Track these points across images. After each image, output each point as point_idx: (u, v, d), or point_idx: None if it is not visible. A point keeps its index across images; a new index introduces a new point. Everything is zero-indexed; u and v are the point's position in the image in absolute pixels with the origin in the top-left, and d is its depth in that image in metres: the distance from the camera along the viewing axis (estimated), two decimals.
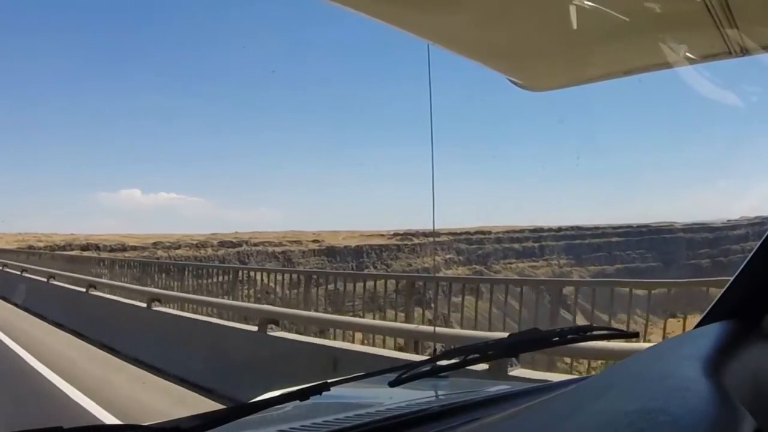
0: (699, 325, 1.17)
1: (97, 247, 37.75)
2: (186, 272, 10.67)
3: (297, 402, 1.08)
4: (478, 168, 70.24)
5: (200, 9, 78.61)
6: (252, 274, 10.13)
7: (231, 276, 9.67)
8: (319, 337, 6.43)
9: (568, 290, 5.91)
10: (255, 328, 6.23)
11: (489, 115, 75.72)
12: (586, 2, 1.40)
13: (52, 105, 75.39)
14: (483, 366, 3.24)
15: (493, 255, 47.61)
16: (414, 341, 5.88)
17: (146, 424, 0.91)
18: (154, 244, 40.64)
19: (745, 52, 1.52)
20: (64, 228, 44.54)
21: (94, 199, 67.88)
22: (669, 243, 49.35)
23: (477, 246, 47.80)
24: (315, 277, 8.50)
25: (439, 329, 5.29)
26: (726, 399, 0.71)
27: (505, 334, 1.26)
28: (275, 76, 70.73)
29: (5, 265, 16.71)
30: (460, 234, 46.57)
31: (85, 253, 29.20)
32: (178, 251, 40.15)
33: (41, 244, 35.25)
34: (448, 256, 44.95)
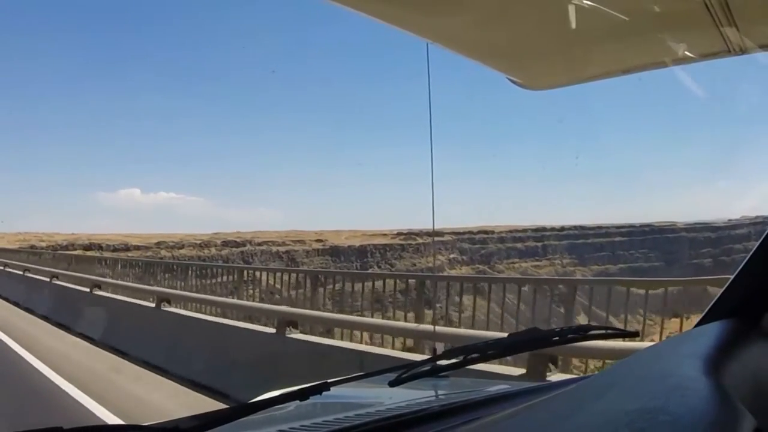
0: (699, 324, 1.17)
1: (100, 247, 37.70)
2: (189, 272, 10.56)
3: (297, 402, 1.08)
4: (479, 167, 70.41)
5: (200, 9, 78.76)
6: (257, 274, 9.92)
7: (236, 276, 9.47)
8: (326, 337, 6.28)
9: (571, 289, 5.90)
10: (273, 330, 5.99)
11: (489, 114, 75.87)
12: (585, 1, 1.40)
13: (51, 105, 75.72)
14: (483, 366, 3.25)
15: (497, 254, 47.68)
16: (425, 342, 5.75)
17: (146, 424, 0.91)
18: (158, 243, 40.61)
19: (744, 50, 1.52)
20: (64, 227, 44.65)
21: (93, 199, 68.01)
22: (672, 242, 49.47)
23: (480, 245, 47.87)
24: (321, 277, 8.37)
25: (439, 329, 5.29)
26: (726, 398, 0.70)
27: (506, 334, 1.27)
28: (275, 76, 70.83)
29: (6, 264, 16.50)
30: (463, 233, 46.64)
31: (88, 253, 29.03)
32: (182, 251, 40.13)
33: (43, 244, 35.20)
34: (452, 256, 44.99)
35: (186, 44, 75.87)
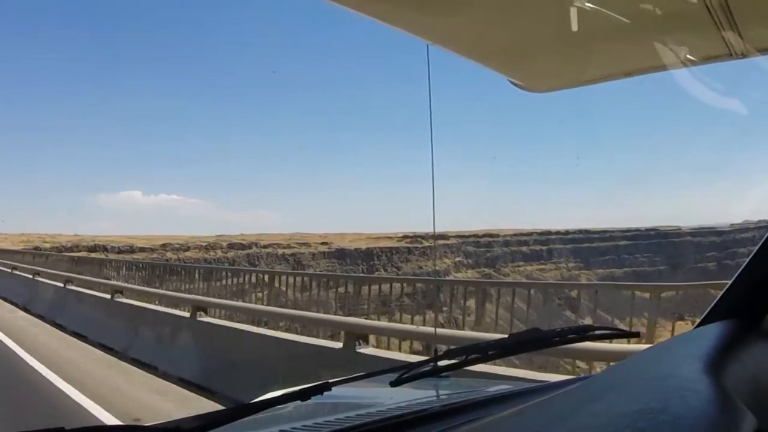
0: (699, 325, 1.18)
1: (104, 249, 37.60)
2: (197, 274, 10.18)
3: (298, 402, 1.08)
4: (480, 169, 70.48)
5: (201, 11, 78.92)
6: (286, 278, 8.74)
7: (265, 279, 8.74)
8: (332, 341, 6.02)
9: (574, 293, 5.91)
10: (339, 344, 5.33)
11: (490, 116, 75.83)
12: (586, 3, 1.40)
13: (51, 106, 75.96)
14: (484, 366, 3.25)
15: (502, 258, 47.71)
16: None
17: (147, 424, 0.91)
18: (163, 245, 40.54)
19: (745, 54, 1.52)
20: (66, 229, 44.57)
21: (94, 201, 68.17)
22: (677, 246, 49.51)
23: (485, 249, 47.92)
24: (326, 280, 8.14)
25: (440, 330, 5.29)
26: (726, 398, 0.71)
27: (506, 335, 1.27)
28: (276, 76, 70.93)
29: (15, 267, 15.52)
30: (468, 237, 46.64)
31: (93, 255, 28.77)
32: (187, 253, 40.08)
33: (47, 245, 34.99)
34: (457, 259, 45.01)
35: (187, 46, 76.25)
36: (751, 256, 1.11)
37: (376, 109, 77.98)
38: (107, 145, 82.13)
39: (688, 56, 1.61)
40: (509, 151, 74.89)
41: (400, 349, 6.06)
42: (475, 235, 47.44)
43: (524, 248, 48.82)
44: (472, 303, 6.33)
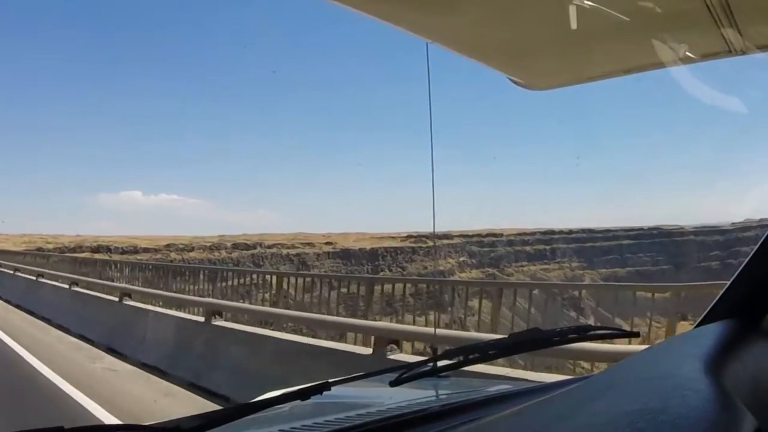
0: (699, 324, 1.17)
1: (108, 249, 37.45)
2: (202, 275, 10.02)
3: (297, 402, 1.08)
4: (483, 168, 70.52)
5: (201, 11, 78.95)
6: (304, 280, 8.48)
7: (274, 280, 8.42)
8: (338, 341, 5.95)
9: (578, 292, 5.92)
10: (369, 351, 5.00)
11: (490, 115, 75.85)
12: (586, 1, 1.40)
13: (51, 107, 75.85)
14: (483, 366, 3.24)
15: (506, 258, 47.75)
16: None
17: (147, 423, 0.91)
18: (167, 246, 40.46)
19: (745, 51, 1.52)
20: (66, 229, 44.53)
21: (94, 201, 68.23)
22: (680, 245, 49.49)
23: (489, 249, 47.97)
24: (334, 281, 8.05)
25: (439, 331, 5.28)
26: (726, 398, 0.70)
27: (506, 335, 1.27)
28: (276, 76, 70.94)
29: (17, 269, 15.08)
30: (472, 236, 46.65)
31: (96, 255, 28.40)
32: (191, 254, 40.01)
33: (50, 246, 34.92)
34: (461, 259, 45.02)
35: (187, 46, 76.24)
36: (750, 256, 1.11)
37: (377, 108, 78.04)
38: (107, 144, 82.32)
39: (687, 53, 1.60)
40: (509, 149, 74.96)
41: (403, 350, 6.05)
42: (479, 235, 47.49)
43: (528, 248, 48.88)
44: (476, 303, 6.30)
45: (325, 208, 73.17)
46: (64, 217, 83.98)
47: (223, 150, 78.15)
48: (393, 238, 45.78)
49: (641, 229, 50.76)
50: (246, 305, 7.82)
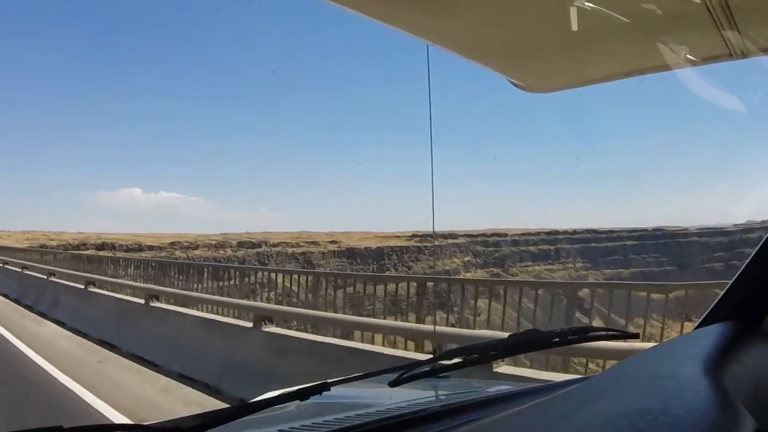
0: (699, 326, 1.17)
1: (112, 247, 37.36)
2: (207, 273, 9.47)
3: (297, 402, 1.08)
4: (485, 169, 70.54)
5: (201, 10, 78.96)
6: (337, 280, 7.72)
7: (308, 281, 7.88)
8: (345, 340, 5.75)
9: (583, 293, 5.90)
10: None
11: (491, 117, 75.82)
12: (586, 3, 1.40)
13: (52, 104, 76.01)
14: (483, 366, 3.24)
15: (510, 257, 47.83)
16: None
17: (147, 423, 0.91)
18: (171, 243, 40.40)
19: (745, 54, 1.52)
20: (65, 226, 44.54)
21: (94, 199, 68.20)
22: (683, 246, 49.55)
23: (493, 248, 48.10)
24: (338, 279, 7.72)
25: (439, 329, 5.26)
26: (726, 399, 0.71)
27: (506, 335, 1.27)
28: (276, 76, 70.95)
29: (26, 267, 14.00)
30: (476, 236, 46.64)
31: (101, 253, 27.63)
32: (196, 251, 39.97)
33: (54, 243, 34.67)
34: (466, 259, 45.06)
35: (187, 46, 76.40)
36: (751, 257, 1.11)
37: (377, 109, 78.25)
38: (107, 143, 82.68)
39: (688, 56, 1.60)
40: (510, 150, 75.21)
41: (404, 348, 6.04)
42: (483, 235, 47.56)
43: (532, 248, 48.99)
44: (481, 303, 6.29)
45: (326, 207, 73.33)
46: (64, 214, 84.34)
47: (223, 149, 78.54)
48: (397, 237, 45.78)
49: (645, 230, 50.91)
50: (281, 307, 6.86)
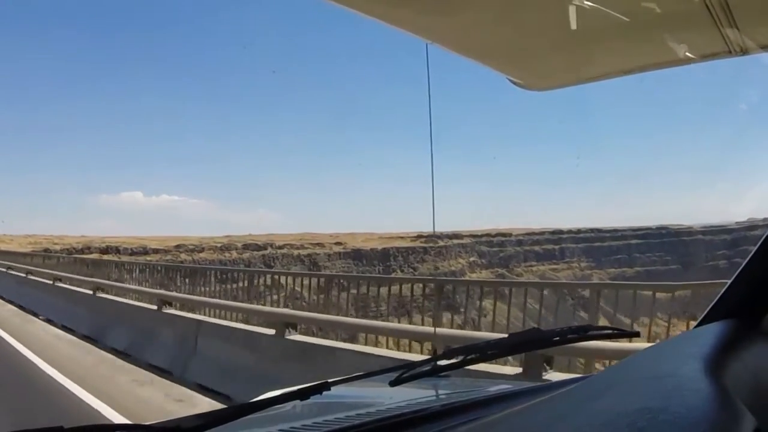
0: (699, 324, 1.17)
1: (117, 250, 37.26)
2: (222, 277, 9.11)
3: (297, 402, 1.08)
4: (486, 169, 70.54)
5: (201, 10, 78.96)
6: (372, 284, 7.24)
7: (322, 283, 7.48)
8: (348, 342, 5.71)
9: (588, 293, 5.89)
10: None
11: (490, 116, 75.85)
12: (586, 2, 1.40)
13: (51, 107, 76.13)
14: (483, 366, 3.23)
15: (515, 257, 47.81)
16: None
17: (147, 423, 0.91)
18: (177, 246, 40.29)
19: (745, 51, 1.52)
20: (66, 230, 44.39)
21: (95, 202, 68.20)
22: (687, 245, 49.55)
23: (498, 248, 48.07)
24: (349, 282, 7.67)
25: (439, 330, 5.27)
26: (726, 398, 0.70)
27: (506, 334, 1.26)
28: (276, 76, 70.96)
29: (29, 272, 13.80)
30: (481, 236, 46.63)
31: (105, 257, 27.68)
32: (202, 254, 39.89)
33: (57, 247, 34.59)
34: (471, 259, 45.04)
35: (187, 46, 76.43)
36: (750, 256, 1.11)
37: (377, 109, 78.21)
38: (107, 144, 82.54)
39: (687, 54, 1.60)
40: (511, 150, 75.25)
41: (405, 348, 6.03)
42: (488, 235, 47.53)
43: (537, 247, 49.04)
44: (487, 304, 6.28)
45: (327, 208, 73.31)
46: (65, 217, 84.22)
47: (222, 150, 78.48)
48: (402, 238, 45.66)
49: (649, 228, 50.98)
50: (306, 314, 6.42)
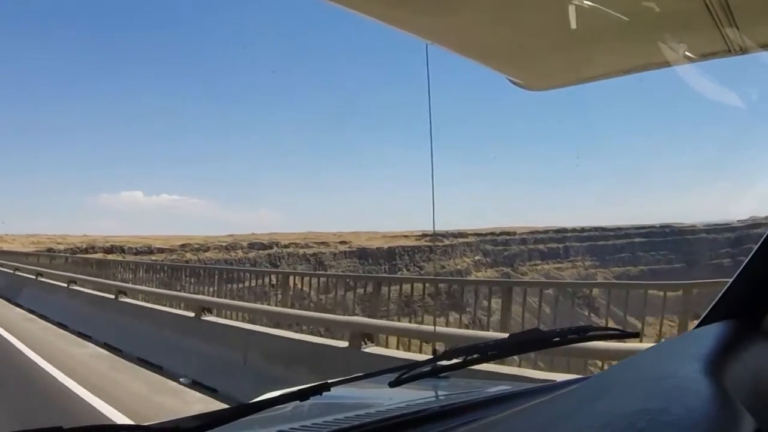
0: (699, 325, 1.17)
1: (121, 250, 37.01)
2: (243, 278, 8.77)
3: (297, 402, 1.07)
4: (487, 169, 70.54)
5: (201, 10, 78.99)
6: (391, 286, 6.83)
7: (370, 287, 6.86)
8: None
9: (593, 292, 5.89)
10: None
11: (490, 116, 75.82)
12: (586, 2, 1.40)
13: (51, 107, 75.94)
14: (483, 366, 3.22)
15: (519, 256, 47.75)
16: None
17: (146, 424, 0.91)
18: (182, 246, 40.07)
19: (744, 50, 1.52)
20: (67, 229, 44.24)
21: (95, 201, 68.21)
22: (691, 243, 49.50)
23: (503, 247, 48.03)
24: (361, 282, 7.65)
25: (439, 329, 5.26)
26: (726, 399, 0.70)
27: (506, 335, 1.26)
28: (275, 76, 70.96)
29: (40, 273, 12.76)
30: (486, 235, 46.60)
31: (110, 257, 27.21)
32: (207, 254, 39.70)
33: (60, 247, 34.28)
34: (476, 258, 44.99)
35: (187, 46, 76.36)
36: (751, 255, 1.10)
37: (378, 109, 78.10)
38: (107, 144, 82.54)
39: (687, 53, 1.60)
40: (511, 149, 75.19)
41: (408, 348, 6.02)
42: (492, 233, 47.49)
43: (541, 246, 48.98)
44: (494, 304, 6.27)
45: (328, 207, 73.30)
46: (65, 216, 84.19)
47: (223, 150, 78.31)
48: (406, 236, 45.48)
49: (652, 226, 50.93)
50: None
